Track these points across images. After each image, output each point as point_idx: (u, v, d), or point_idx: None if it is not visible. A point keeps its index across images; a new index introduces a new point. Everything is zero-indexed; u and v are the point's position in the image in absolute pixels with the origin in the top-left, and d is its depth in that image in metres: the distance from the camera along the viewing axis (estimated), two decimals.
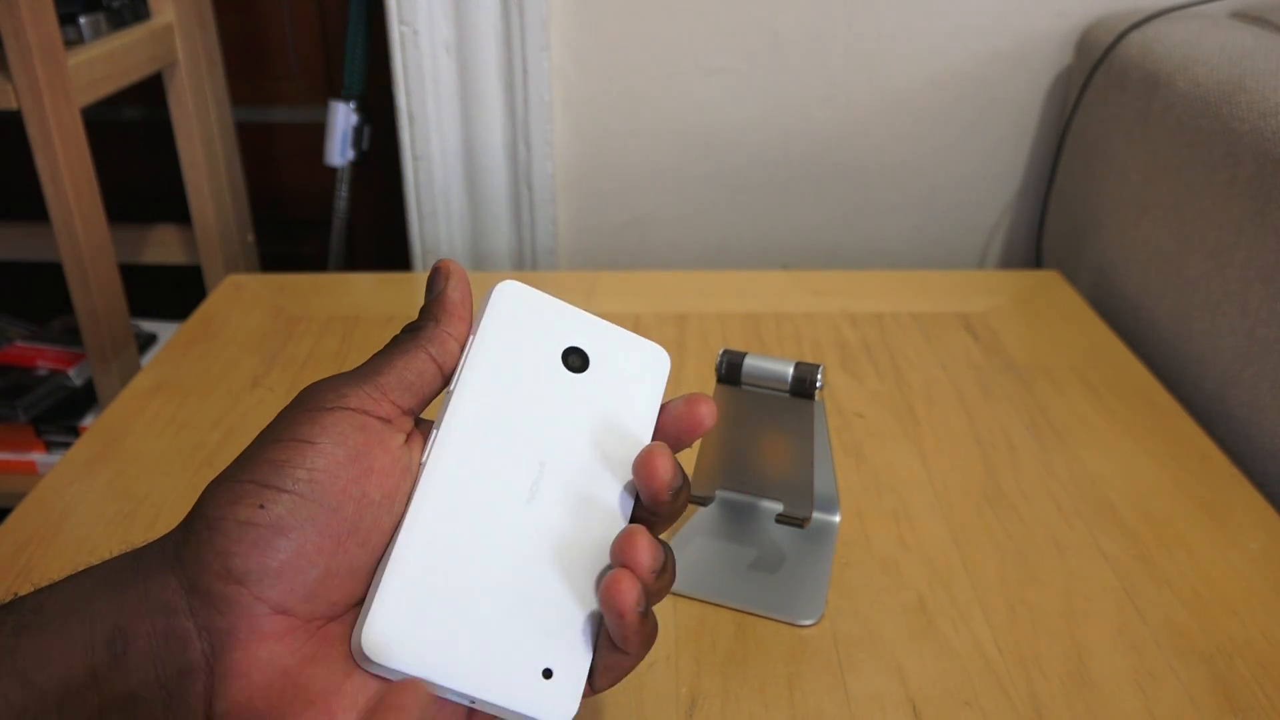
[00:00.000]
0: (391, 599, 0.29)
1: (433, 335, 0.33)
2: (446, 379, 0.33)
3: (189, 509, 0.30)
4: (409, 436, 0.32)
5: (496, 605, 0.31)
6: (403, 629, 0.29)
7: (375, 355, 0.33)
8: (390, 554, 0.30)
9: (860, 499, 0.56)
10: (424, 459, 0.32)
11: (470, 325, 0.34)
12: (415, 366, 0.33)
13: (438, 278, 0.35)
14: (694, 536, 0.53)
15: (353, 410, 0.31)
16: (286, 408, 0.31)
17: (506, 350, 0.34)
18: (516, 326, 0.34)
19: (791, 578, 0.50)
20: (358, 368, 0.33)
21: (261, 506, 0.28)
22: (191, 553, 0.29)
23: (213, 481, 0.30)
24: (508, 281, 0.35)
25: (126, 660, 0.28)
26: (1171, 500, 0.56)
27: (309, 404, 0.31)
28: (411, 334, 0.34)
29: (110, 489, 0.57)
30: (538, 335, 0.35)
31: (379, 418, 0.31)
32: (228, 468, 0.30)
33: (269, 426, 0.31)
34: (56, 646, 0.28)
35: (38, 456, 0.99)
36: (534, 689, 0.30)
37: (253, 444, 0.30)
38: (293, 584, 0.29)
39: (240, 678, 0.28)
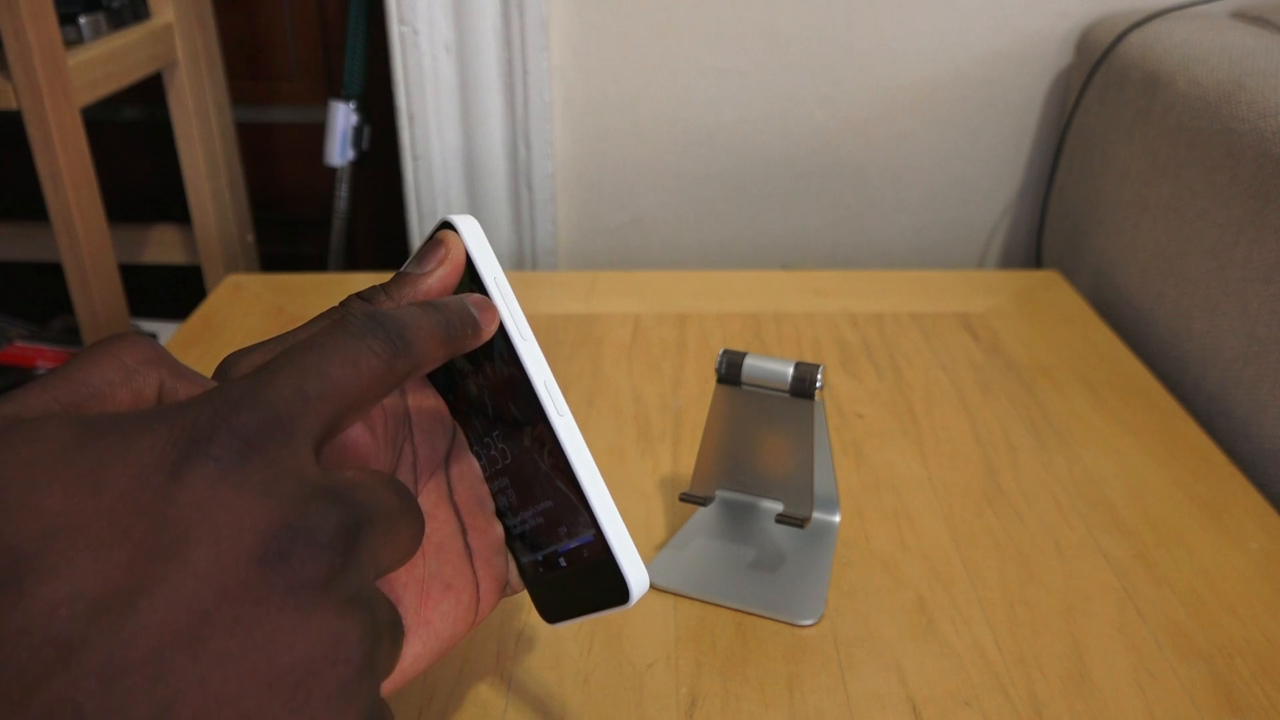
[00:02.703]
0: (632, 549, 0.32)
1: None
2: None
3: None
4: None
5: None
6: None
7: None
8: (609, 508, 0.31)
9: (860, 499, 0.56)
10: (549, 413, 0.31)
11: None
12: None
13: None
14: (694, 536, 0.52)
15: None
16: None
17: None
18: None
19: (791, 578, 0.50)
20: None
21: None
22: None
23: None
24: (471, 219, 0.33)
25: None
26: (1171, 500, 0.56)
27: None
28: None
29: None
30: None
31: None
32: None
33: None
34: None
35: None
36: None
37: None
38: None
39: None
